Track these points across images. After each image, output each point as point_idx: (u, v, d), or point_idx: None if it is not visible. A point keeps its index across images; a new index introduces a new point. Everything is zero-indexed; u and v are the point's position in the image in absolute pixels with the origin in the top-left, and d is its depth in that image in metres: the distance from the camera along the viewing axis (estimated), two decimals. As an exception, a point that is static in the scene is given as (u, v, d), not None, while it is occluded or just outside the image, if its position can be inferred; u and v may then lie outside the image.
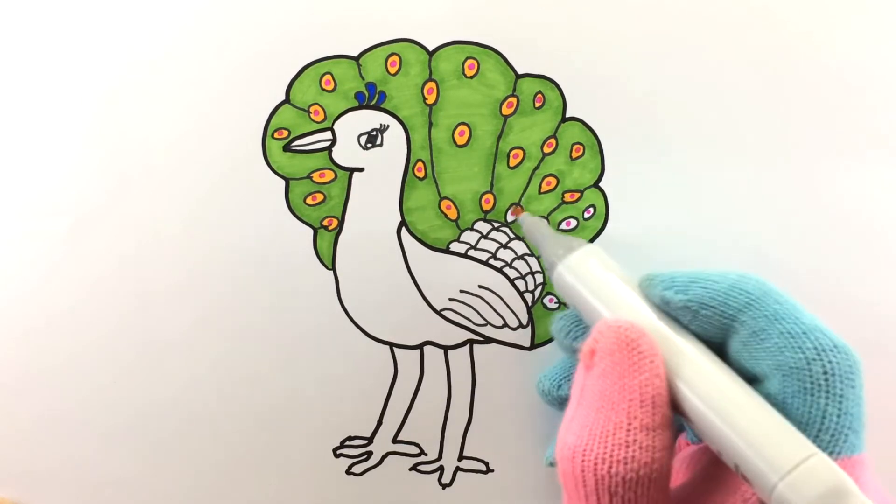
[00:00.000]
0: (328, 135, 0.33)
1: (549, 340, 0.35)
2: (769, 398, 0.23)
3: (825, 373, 0.23)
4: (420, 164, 0.33)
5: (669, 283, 0.25)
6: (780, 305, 0.24)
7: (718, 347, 0.25)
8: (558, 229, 0.34)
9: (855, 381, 0.23)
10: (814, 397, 0.23)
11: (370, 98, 0.33)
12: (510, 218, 0.34)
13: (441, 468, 0.36)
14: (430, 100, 0.33)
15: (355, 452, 0.35)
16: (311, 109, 0.33)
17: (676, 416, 0.24)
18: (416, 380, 0.35)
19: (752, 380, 0.24)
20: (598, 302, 0.27)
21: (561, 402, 0.32)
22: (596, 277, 0.27)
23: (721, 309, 0.25)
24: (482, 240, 0.34)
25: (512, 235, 0.34)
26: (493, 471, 0.36)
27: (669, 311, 0.26)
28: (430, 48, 0.33)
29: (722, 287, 0.25)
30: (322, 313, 0.34)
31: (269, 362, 0.34)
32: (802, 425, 0.23)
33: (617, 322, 0.24)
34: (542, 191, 0.34)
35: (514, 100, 0.33)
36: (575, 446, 0.23)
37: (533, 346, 0.35)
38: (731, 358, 0.25)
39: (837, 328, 0.34)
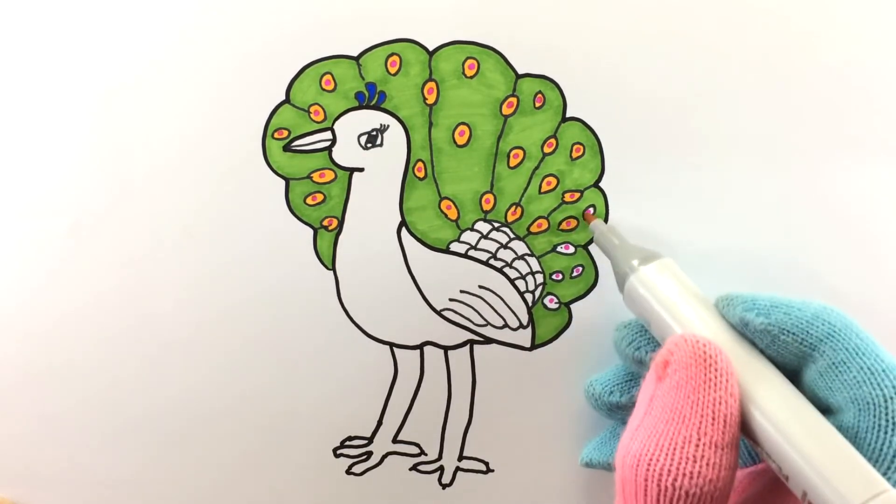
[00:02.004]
0: (328, 135, 0.33)
1: (550, 341, 0.35)
2: (841, 430, 0.24)
3: None
4: (420, 164, 0.33)
5: (751, 305, 0.26)
6: (861, 341, 0.25)
7: (790, 374, 0.26)
8: (558, 230, 0.34)
9: None
10: (888, 434, 0.23)
11: (370, 98, 0.33)
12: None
13: (441, 468, 0.36)
14: (431, 100, 0.33)
15: (355, 452, 0.35)
16: (312, 109, 0.33)
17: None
18: (416, 380, 0.35)
19: (824, 410, 0.25)
20: (672, 317, 0.27)
21: (610, 408, 0.32)
22: (670, 291, 0.28)
23: (802, 336, 0.25)
24: (482, 240, 0.34)
25: (512, 235, 0.34)
26: (493, 471, 0.36)
27: (746, 333, 0.26)
28: (431, 48, 0.33)
29: (805, 315, 0.25)
30: (322, 313, 0.34)
31: (268, 362, 0.34)
32: (874, 460, 0.23)
33: (695, 336, 0.24)
34: (542, 191, 0.34)
35: (514, 100, 0.33)
36: (640, 454, 0.23)
37: (533, 347, 0.35)
38: (805, 386, 0.25)
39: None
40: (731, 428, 0.23)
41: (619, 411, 0.32)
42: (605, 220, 0.34)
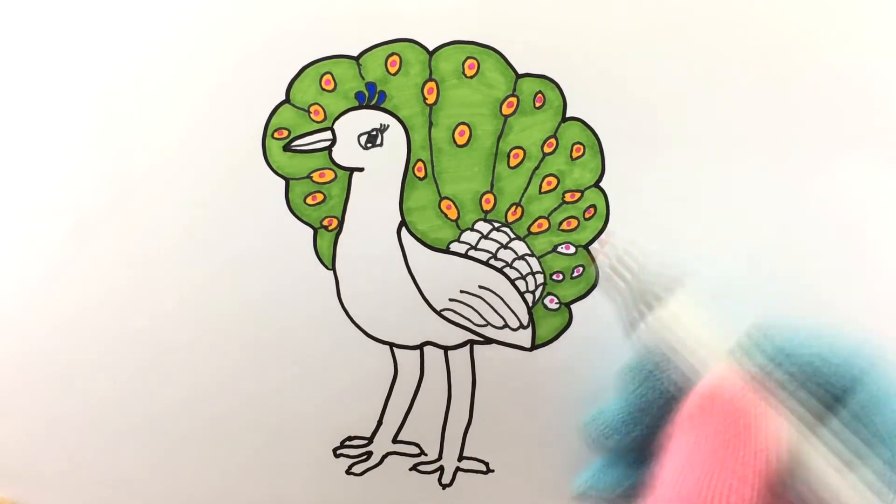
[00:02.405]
0: (328, 134, 0.33)
1: (550, 341, 0.35)
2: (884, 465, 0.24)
3: None
4: (420, 164, 0.33)
5: (778, 350, 0.26)
6: (892, 381, 0.25)
7: (820, 413, 0.25)
8: (559, 230, 0.34)
9: None
10: None
11: (370, 98, 0.33)
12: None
13: (441, 468, 0.36)
14: (431, 100, 0.33)
15: (355, 452, 0.35)
16: (312, 109, 0.33)
17: None
18: (417, 380, 0.35)
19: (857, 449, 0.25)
20: (698, 358, 0.27)
21: (608, 450, 0.31)
22: (697, 330, 0.27)
23: (833, 380, 0.25)
24: (482, 240, 0.34)
25: (512, 236, 0.34)
26: (493, 471, 0.36)
27: (778, 373, 0.26)
28: (431, 48, 0.33)
29: (834, 360, 0.25)
30: (322, 313, 0.34)
31: (268, 363, 0.34)
32: None
33: (730, 385, 0.24)
34: (542, 191, 0.34)
35: (514, 99, 0.33)
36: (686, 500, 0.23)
37: (533, 347, 0.35)
38: (835, 425, 0.25)
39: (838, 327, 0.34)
40: (774, 477, 0.23)
41: (615, 451, 0.31)
42: (606, 220, 0.34)
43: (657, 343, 0.28)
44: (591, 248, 0.34)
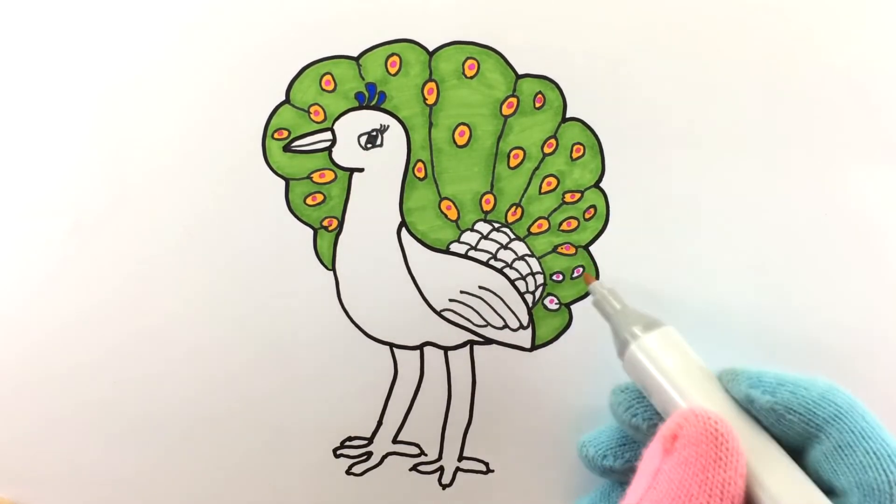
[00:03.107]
0: (328, 135, 0.33)
1: (550, 341, 0.35)
2: None
3: None
4: (420, 165, 0.33)
5: (756, 382, 0.26)
6: (867, 423, 0.24)
7: (793, 452, 0.26)
8: (559, 230, 0.34)
9: None
10: None
11: (370, 98, 0.33)
12: (576, 275, 0.34)
13: (441, 468, 0.36)
14: (431, 100, 0.33)
15: (355, 453, 0.35)
16: (311, 110, 0.33)
17: None
18: (417, 380, 0.35)
19: (828, 492, 0.25)
20: (674, 389, 0.27)
21: (604, 471, 0.31)
22: (673, 362, 0.27)
23: (808, 417, 0.25)
24: (482, 240, 0.34)
25: (512, 236, 0.34)
26: (493, 471, 0.36)
27: (751, 410, 0.26)
28: (431, 48, 0.33)
29: (811, 395, 0.25)
30: (322, 313, 0.34)
31: (269, 363, 0.34)
32: None
33: (707, 413, 0.24)
34: (542, 191, 0.34)
35: (514, 100, 0.33)
36: None
37: (533, 348, 0.35)
38: (809, 466, 0.25)
39: (838, 328, 0.34)
40: None
41: (612, 474, 0.31)
42: (606, 221, 0.34)
43: (640, 370, 0.28)
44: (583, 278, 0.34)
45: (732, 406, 0.26)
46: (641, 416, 0.29)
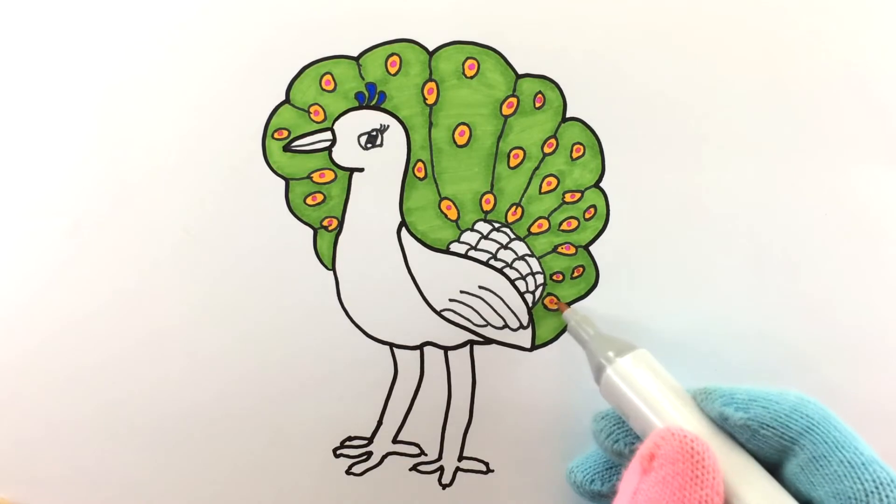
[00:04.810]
0: (328, 135, 0.33)
1: (550, 341, 0.35)
2: None
3: None
4: (420, 165, 0.33)
5: (729, 399, 0.26)
6: (840, 433, 0.25)
7: (770, 467, 0.26)
8: (559, 230, 0.34)
9: None
10: None
11: (370, 98, 0.33)
12: (551, 307, 0.34)
13: (441, 468, 0.36)
14: (431, 100, 0.33)
15: (355, 453, 0.35)
16: (311, 109, 0.33)
17: None
18: (417, 380, 0.35)
19: (804, 503, 0.25)
20: (651, 410, 0.27)
21: (593, 496, 0.32)
22: (648, 384, 0.28)
23: (782, 431, 0.25)
24: (482, 240, 0.34)
25: (512, 236, 0.34)
26: (493, 471, 0.36)
27: (725, 427, 0.26)
28: (431, 48, 0.33)
29: (783, 408, 0.25)
30: (322, 313, 0.34)
31: (269, 363, 0.34)
32: None
33: (682, 431, 0.24)
34: (542, 191, 0.34)
35: (514, 100, 0.33)
36: None
37: (533, 348, 0.35)
38: (786, 480, 0.25)
39: (838, 328, 0.34)
40: None
41: (601, 499, 0.32)
42: (607, 221, 0.34)
43: (616, 394, 0.28)
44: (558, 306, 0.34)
45: (707, 424, 0.26)
46: (623, 441, 0.30)
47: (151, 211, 0.33)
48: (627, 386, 0.28)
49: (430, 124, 0.33)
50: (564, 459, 0.35)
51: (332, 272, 0.34)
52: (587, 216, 0.34)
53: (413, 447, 0.36)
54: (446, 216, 0.34)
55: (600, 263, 0.34)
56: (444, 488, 0.36)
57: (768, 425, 0.25)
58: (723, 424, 0.26)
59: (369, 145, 0.33)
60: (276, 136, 0.33)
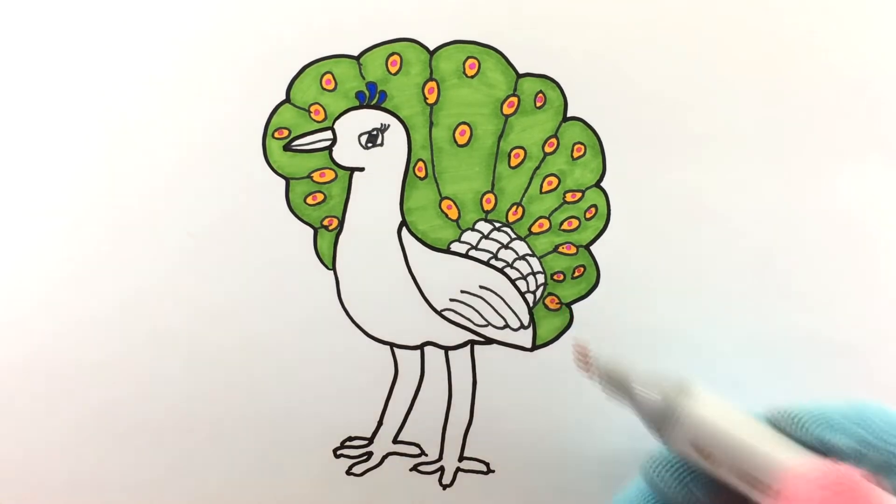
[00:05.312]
0: (329, 134, 0.33)
1: (551, 342, 0.35)
2: None
3: None
4: (421, 164, 0.33)
5: (824, 424, 0.24)
6: None
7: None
8: (560, 230, 0.34)
9: None
10: None
11: (371, 97, 0.33)
12: (578, 362, 0.27)
13: (442, 469, 0.36)
14: (431, 99, 0.33)
15: (356, 453, 0.35)
16: (312, 109, 0.33)
17: None
18: (417, 380, 0.35)
19: None
20: (745, 446, 0.23)
21: None
22: (734, 417, 0.24)
23: (890, 449, 0.24)
24: (483, 240, 0.34)
25: (513, 236, 0.34)
26: (493, 471, 0.36)
27: (824, 452, 0.24)
28: (431, 47, 0.33)
29: (880, 426, 0.24)
30: (322, 313, 0.34)
31: (269, 362, 0.34)
32: None
33: (836, 467, 0.22)
34: (543, 191, 0.34)
35: (514, 99, 0.33)
36: None
37: (534, 348, 0.35)
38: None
39: (839, 327, 0.34)
40: None
41: None
42: (607, 220, 0.34)
43: (682, 447, 0.25)
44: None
45: (804, 451, 0.24)
46: (696, 485, 0.26)
47: (152, 211, 0.33)
48: (710, 426, 0.24)
49: (431, 124, 0.33)
50: (565, 460, 0.35)
51: (332, 272, 0.34)
52: (588, 216, 0.34)
53: (413, 447, 0.36)
54: (447, 216, 0.34)
55: (601, 263, 0.34)
56: (444, 489, 0.36)
57: (874, 445, 0.24)
58: (822, 449, 0.24)
59: (370, 145, 0.33)
60: (276, 135, 0.33)
